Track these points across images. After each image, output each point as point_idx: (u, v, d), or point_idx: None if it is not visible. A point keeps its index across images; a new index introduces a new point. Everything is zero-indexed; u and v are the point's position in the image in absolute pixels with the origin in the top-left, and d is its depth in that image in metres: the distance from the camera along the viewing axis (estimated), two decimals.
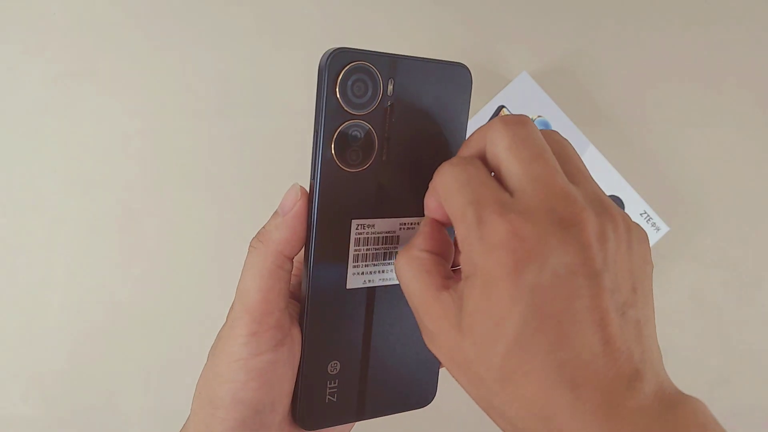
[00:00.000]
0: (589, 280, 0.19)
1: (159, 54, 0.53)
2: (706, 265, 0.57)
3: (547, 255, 0.19)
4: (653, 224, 0.54)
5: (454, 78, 0.27)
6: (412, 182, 0.27)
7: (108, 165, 0.53)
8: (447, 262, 0.24)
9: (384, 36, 0.55)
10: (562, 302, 0.19)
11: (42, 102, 0.53)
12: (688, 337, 0.57)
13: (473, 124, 0.52)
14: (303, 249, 0.26)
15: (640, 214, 0.53)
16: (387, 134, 0.25)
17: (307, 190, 0.25)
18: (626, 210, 0.53)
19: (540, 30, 0.56)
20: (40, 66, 0.53)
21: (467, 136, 0.26)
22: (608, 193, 0.53)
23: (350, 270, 0.26)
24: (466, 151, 0.24)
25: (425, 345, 0.24)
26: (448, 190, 0.22)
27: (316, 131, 0.24)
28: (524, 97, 0.53)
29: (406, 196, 0.27)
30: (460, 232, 0.21)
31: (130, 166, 0.53)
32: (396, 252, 0.27)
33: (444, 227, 0.25)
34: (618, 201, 0.53)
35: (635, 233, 0.21)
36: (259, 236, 0.26)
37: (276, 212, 0.26)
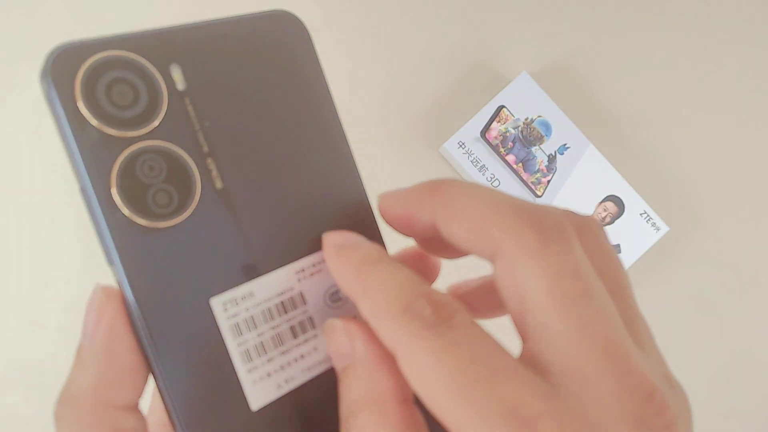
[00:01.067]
0: None
1: None
2: (705, 265, 0.57)
3: None
4: (653, 224, 0.54)
5: (278, 34, 0.18)
6: (283, 203, 0.17)
7: None
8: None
9: (383, 35, 0.55)
10: None
11: (41, 101, 0.52)
12: (688, 337, 0.57)
13: (474, 124, 0.52)
14: (151, 385, 0.16)
15: (640, 214, 0.53)
16: (205, 147, 0.16)
17: (115, 284, 0.16)
18: (626, 210, 0.53)
19: (540, 30, 0.56)
20: (39, 65, 0.53)
21: (336, 110, 0.18)
22: (608, 192, 0.53)
23: (245, 379, 0.16)
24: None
25: None
26: (420, 369, 0.14)
27: (81, 185, 0.15)
28: (524, 97, 0.53)
29: (284, 228, 0.17)
30: None
31: None
32: (310, 319, 0.18)
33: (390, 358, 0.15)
34: (618, 201, 0.53)
35: (690, 411, 0.16)
36: (61, 397, 0.16)
37: (79, 345, 0.16)
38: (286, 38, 0.18)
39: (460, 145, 0.52)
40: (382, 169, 0.54)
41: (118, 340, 0.15)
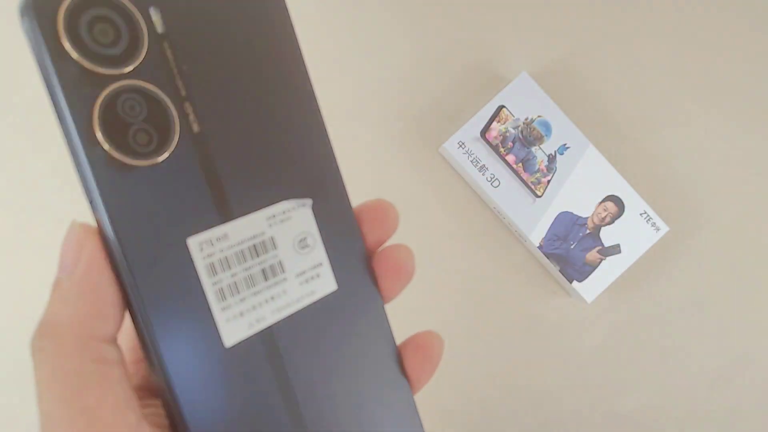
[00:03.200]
0: None
1: None
2: (705, 265, 0.57)
3: None
4: (653, 224, 0.53)
5: None
6: (255, 151, 0.18)
7: None
8: None
9: (382, 33, 0.55)
10: None
11: (40, 100, 0.52)
12: (688, 338, 0.57)
13: (473, 124, 0.52)
14: (129, 319, 0.17)
15: (640, 214, 0.53)
16: (183, 91, 0.17)
17: (93, 222, 0.16)
18: (626, 210, 0.53)
19: (540, 29, 0.56)
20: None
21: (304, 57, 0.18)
22: (608, 192, 0.53)
23: (220, 317, 0.17)
24: None
25: (390, 380, 0.17)
26: None
27: (61, 121, 0.15)
28: (524, 97, 0.53)
29: (256, 175, 0.18)
30: None
31: None
32: (280, 263, 0.18)
33: None
34: (618, 201, 0.53)
35: None
36: (40, 330, 0.16)
37: (56, 279, 0.16)
38: None
39: (460, 145, 0.52)
40: (382, 169, 0.54)
41: (99, 274, 0.16)
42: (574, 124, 0.53)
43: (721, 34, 0.57)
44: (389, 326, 0.21)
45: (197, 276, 0.17)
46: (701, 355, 0.57)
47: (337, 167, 0.20)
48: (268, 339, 0.18)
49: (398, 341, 0.21)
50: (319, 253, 0.19)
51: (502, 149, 0.52)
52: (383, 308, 0.21)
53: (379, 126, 0.54)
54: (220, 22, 0.17)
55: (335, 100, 0.53)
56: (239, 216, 0.18)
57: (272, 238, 0.18)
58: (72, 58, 0.15)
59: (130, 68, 0.16)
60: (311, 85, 0.19)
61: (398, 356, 0.21)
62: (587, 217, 0.53)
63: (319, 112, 0.20)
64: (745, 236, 0.58)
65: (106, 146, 0.15)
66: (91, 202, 0.16)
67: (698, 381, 0.57)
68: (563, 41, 0.56)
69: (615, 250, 0.53)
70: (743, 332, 0.58)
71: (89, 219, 0.17)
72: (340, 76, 0.54)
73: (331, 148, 0.20)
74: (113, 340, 0.16)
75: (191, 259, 0.17)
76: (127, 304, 0.16)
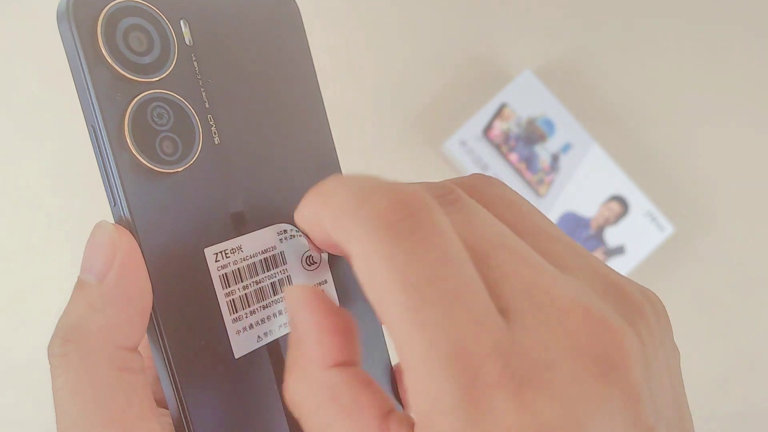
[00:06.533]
0: None
1: None
2: (711, 266, 0.57)
3: None
4: (658, 224, 0.53)
5: (272, 7, 0.19)
6: (270, 167, 0.18)
7: None
8: (360, 364, 0.16)
9: (383, 30, 0.54)
10: None
11: (40, 99, 0.52)
12: (694, 339, 0.56)
13: (475, 122, 0.51)
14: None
15: (645, 215, 0.53)
16: (206, 103, 0.17)
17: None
18: (631, 210, 0.53)
19: (543, 25, 0.55)
20: (38, 64, 0.52)
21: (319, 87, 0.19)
22: (613, 192, 0.52)
23: (231, 328, 0.17)
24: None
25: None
26: (379, 288, 0.13)
27: (92, 124, 0.16)
28: (527, 94, 0.52)
29: (269, 190, 0.18)
30: (422, 400, 0.12)
31: None
32: (288, 278, 0.19)
33: (333, 307, 0.16)
34: (623, 201, 0.53)
35: (662, 316, 0.15)
36: (64, 334, 0.15)
37: (81, 281, 0.16)
38: (280, 13, 0.19)
39: (462, 144, 0.51)
40: (383, 169, 0.53)
41: (133, 282, 0.15)
42: (578, 123, 0.53)
43: (729, 31, 0.57)
44: (386, 344, 0.21)
45: (211, 286, 0.17)
46: (707, 357, 0.57)
47: None
48: (274, 353, 0.18)
49: (394, 362, 0.21)
50: (324, 270, 0.20)
51: (504, 148, 0.52)
52: (381, 327, 0.21)
53: (379, 125, 0.53)
54: (243, 39, 0.18)
55: (335, 99, 0.52)
56: (253, 229, 0.18)
57: (282, 253, 0.18)
58: (108, 64, 0.15)
59: (160, 77, 0.16)
60: (323, 105, 0.20)
61: (392, 378, 0.21)
62: (591, 218, 0.52)
63: (330, 131, 0.20)
64: (753, 238, 0.57)
65: (134, 151, 0.16)
66: (114, 205, 0.16)
67: (705, 383, 0.57)
68: (567, 37, 0.56)
69: (619, 251, 0.52)
70: (748, 336, 0.57)
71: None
72: (340, 74, 0.53)
73: (339, 168, 0.20)
74: (136, 348, 0.16)
75: (207, 268, 0.17)
76: None
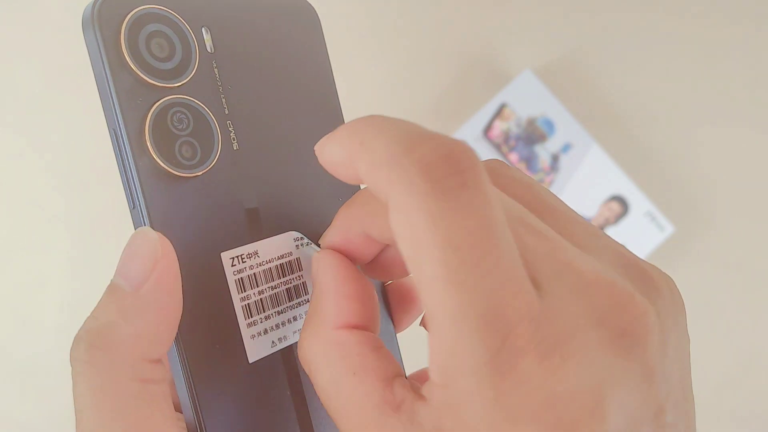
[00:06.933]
0: (653, 424, 0.13)
1: None
2: (712, 266, 0.57)
3: (608, 416, 0.12)
4: (658, 224, 0.53)
5: (292, 15, 0.19)
6: (290, 172, 0.19)
7: (106, 162, 0.53)
8: (377, 332, 0.16)
9: (383, 30, 0.54)
10: None
11: (39, 99, 0.52)
12: (694, 340, 0.56)
13: (475, 122, 0.51)
14: None
15: (645, 215, 0.53)
16: (226, 109, 0.17)
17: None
18: (631, 210, 0.53)
19: (543, 25, 0.55)
20: (39, 64, 0.52)
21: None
22: (613, 192, 0.53)
23: (245, 332, 0.17)
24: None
25: None
26: (413, 238, 0.13)
27: (114, 128, 0.16)
28: (527, 94, 0.52)
29: (286, 196, 0.18)
30: (446, 358, 0.13)
31: None
32: (303, 284, 0.19)
33: (355, 261, 0.16)
34: (622, 201, 0.53)
35: (677, 298, 0.15)
36: (90, 340, 0.15)
37: (115, 285, 0.15)
38: (300, 20, 0.19)
39: None
40: None
41: (169, 295, 0.15)
42: (578, 123, 0.53)
43: (730, 31, 0.57)
44: (399, 354, 0.21)
45: (227, 290, 0.17)
46: (707, 358, 0.57)
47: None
48: (288, 359, 0.18)
49: (406, 365, 0.21)
50: None
51: (504, 148, 0.52)
52: (395, 336, 0.21)
53: None
54: (263, 46, 0.18)
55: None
56: (270, 235, 0.18)
57: (298, 260, 0.19)
58: (130, 69, 0.16)
59: (181, 83, 0.17)
60: (341, 111, 0.20)
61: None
62: (591, 218, 0.52)
63: None
64: (752, 238, 0.57)
65: (154, 155, 0.16)
66: (133, 208, 0.16)
67: (704, 384, 0.56)
68: (567, 37, 0.56)
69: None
70: (749, 336, 0.57)
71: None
72: (340, 74, 0.53)
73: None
74: (161, 360, 0.16)
75: (224, 273, 0.17)
76: None
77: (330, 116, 0.20)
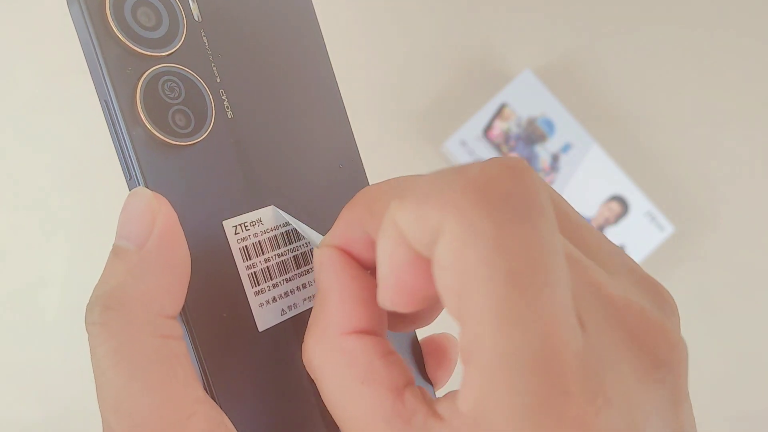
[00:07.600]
0: None
1: None
2: (711, 266, 0.57)
3: None
4: (658, 224, 0.53)
5: None
6: (283, 142, 0.18)
7: (105, 161, 0.53)
8: (384, 335, 0.15)
9: (383, 30, 0.54)
10: None
11: (38, 99, 0.52)
12: (694, 340, 0.56)
13: (475, 122, 0.51)
14: None
15: (645, 214, 0.53)
16: (218, 77, 0.17)
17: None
18: (631, 210, 0.53)
19: (543, 25, 0.55)
20: (37, 64, 0.52)
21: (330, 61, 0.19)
22: (612, 192, 0.53)
23: (253, 301, 0.17)
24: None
25: None
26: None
27: (105, 99, 0.16)
28: (527, 94, 0.52)
29: (284, 165, 0.18)
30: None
31: None
32: (312, 252, 0.18)
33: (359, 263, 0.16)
34: (623, 201, 0.53)
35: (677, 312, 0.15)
36: (104, 302, 0.15)
37: (118, 247, 0.15)
38: None
39: (462, 144, 0.51)
40: (383, 169, 0.53)
41: (173, 249, 0.15)
42: (578, 123, 0.53)
43: (731, 31, 0.57)
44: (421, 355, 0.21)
45: (232, 258, 0.17)
46: (707, 358, 0.57)
47: (358, 155, 0.21)
48: (300, 326, 0.18)
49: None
50: None
51: (504, 148, 0.52)
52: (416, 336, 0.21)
53: (380, 124, 0.53)
54: (251, 15, 0.18)
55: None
56: (270, 204, 0.18)
57: (302, 226, 0.18)
58: (118, 39, 0.16)
59: (169, 52, 0.16)
60: (335, 78, 0.20)
61: (415, 352, 0.21)
62: (591, 218, 0.52)
63: (342, 103, 0.20)
64: (752, 238, 0.57)
65: (147, 124, 0.16)
66: (130, 178, 0.16)
67: (704, 384, 0.56)
68: (568, 37, 0.56)
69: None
70: (748, 336, 0.57)
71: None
72: (340, 74, 0.53)
73: (353, 139, 0.20)
74: (175, 316, 0.16)
75: (227, 241, 0.17)
76: None
77: (323, 80, 0.19)
